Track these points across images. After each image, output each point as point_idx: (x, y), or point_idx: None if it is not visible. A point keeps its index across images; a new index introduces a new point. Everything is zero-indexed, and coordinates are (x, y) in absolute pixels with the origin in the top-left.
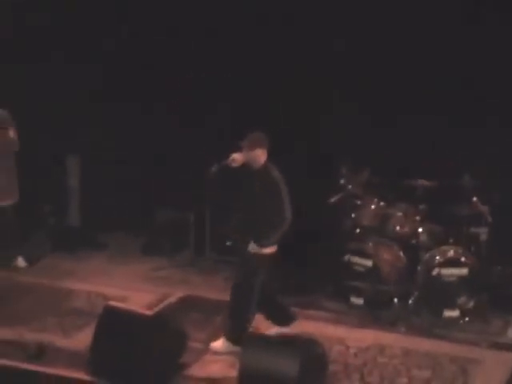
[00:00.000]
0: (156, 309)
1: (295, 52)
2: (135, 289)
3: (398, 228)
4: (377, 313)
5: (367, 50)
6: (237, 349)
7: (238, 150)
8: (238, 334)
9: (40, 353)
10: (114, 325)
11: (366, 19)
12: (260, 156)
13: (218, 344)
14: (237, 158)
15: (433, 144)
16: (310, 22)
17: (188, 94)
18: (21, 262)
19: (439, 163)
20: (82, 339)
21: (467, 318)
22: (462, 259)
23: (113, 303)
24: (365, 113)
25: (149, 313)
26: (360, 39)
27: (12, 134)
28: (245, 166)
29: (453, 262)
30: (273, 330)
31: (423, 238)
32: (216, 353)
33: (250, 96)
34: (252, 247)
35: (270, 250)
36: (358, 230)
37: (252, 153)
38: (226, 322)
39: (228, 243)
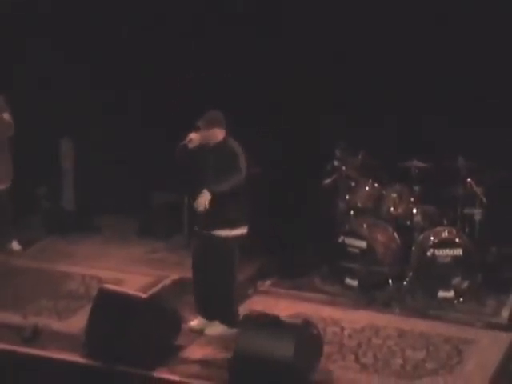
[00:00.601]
0: (151, 291)
1: (293, 48)
2: (130, 271)
3: (392, 209)
4: (371, 294)
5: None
6: (232, 331)
7: (195, 129)
8: (232, 317)
9: (35, 336)
10: (109, 307)
11: (364, 17)
12: (217, 135)
13: (214, 329)
14: (193, 137)
15: (427, 126)
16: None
17: (187, 81)
18: (15, 245)
19: (433, 144)
20: (77, 322)
21: (462, 299)
22: (457, 240)
23: (107, 286)
24: (363, 99)
25: (143, 295)
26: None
27: (7, 117)
28: (202, 146)
29: (447, 243)
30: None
31: (417, 219)
32: (212, 337)
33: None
34: (224, 231)
35: (239, 231)
36: (352, 212)
37: (208, 132)
38: (216, 308)
39: (196, 228)
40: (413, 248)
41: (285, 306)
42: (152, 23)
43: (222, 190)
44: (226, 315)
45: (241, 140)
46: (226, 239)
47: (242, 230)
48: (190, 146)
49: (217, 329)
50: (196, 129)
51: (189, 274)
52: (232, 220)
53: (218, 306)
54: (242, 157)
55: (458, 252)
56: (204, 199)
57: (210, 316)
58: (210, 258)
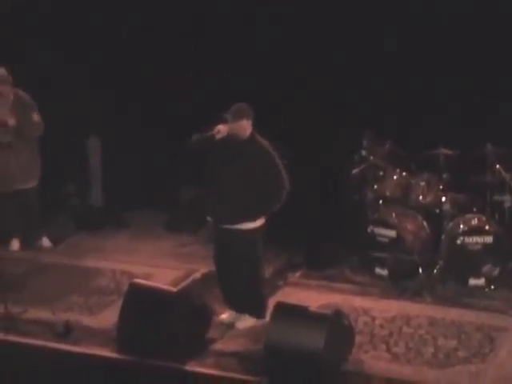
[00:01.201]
0: (181, 285)
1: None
2: (160, 266)
3: (420, 198)
4: (401, 283)
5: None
6: (263, 323)
7: (223, 121)
8: (262, 308)
9: (67, 331)
10: (140, 302)
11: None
12: (245, 127)
13: (245, 322)
14: (222, 129)
15: (455, 113)
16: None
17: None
18: (45, 242)
19: (461, 132)
20: (109, 317)
21: (493, 286)
22: (486, 227)
23: (138, 280)
24: (387, 86)
25: (174, 289)
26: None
27: (36, 117)
28: (228, 139)
29: (477, 231)
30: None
31: (446, 207)
32: (243, 329)
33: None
34: (245, 224)
35: (260, 222)
36: (381, 201)
37: (237, 124)
38: (244, 301)
39: (209, 219)
40: (442, 236)
41: (315, 297)
42: (163, 23)
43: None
44: (255, 308)
45: (268, 130)
46: (248, 232)
47: (263, 221)
48: (218, 136)
49: (247, 322)
50: (223, 121)
51: None
52: (253, 212)
53: (247, 300)
54: (274, 158)
55: (488, 239)
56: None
57: (239, 309)
58: (234, 252)
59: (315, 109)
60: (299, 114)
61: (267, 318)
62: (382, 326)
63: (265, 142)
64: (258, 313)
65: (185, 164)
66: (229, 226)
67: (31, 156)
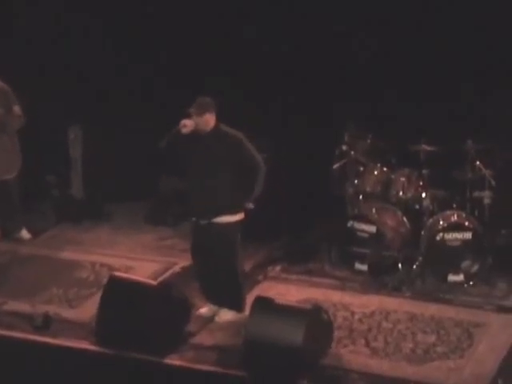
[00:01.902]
0: (161, 278)
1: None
2: (140, 259)
3: (401, 193)
4: (381, 278)
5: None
6: (242, 316)
7: (187, 116)
8: (241, 301)
9: (46, 324)
10: (119, 295)
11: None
12: (209, 120)
13: (224, 315)
14: (187, 123)
15: (435, 109)
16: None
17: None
18: (25, 233)
19: (442, 128)
20: (88, 310)
21: (472, 282)
22: (466, 223)
23: (117, 273)
24: (369, 81)
25: (153, 282)
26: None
27: (17, 110)
28: (195, 133)
29: (456, 227)
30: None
31: (426, 202)
32: (222, 323)
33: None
34: (223, 218)
35: (239, 216)
36: (361, 197)
37: (201, 118)
38: (223, 294)
39: (193, 219)
40: (422, 232)
41: (295, 292)
42: (158, 12)
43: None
44: (234, 301)
45: (248, 125)
46: (226, 226)
47: (242, 215)
48: (184, 131)
49: (226, 315)
50: (188, 115)
51: None
52: (232, 206)
53: (225, 294)
54: (245, 142)
55: (468, 235)
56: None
57: (218, 303)
58: (213, 246)
59: (296, 103)
60: (280, 108)
61: (246, 311)
62: (361, 321)
63: (230, 130)
64: (237, 306)
65: (163, 162)
66: (207, 221)
67: (12, 148)
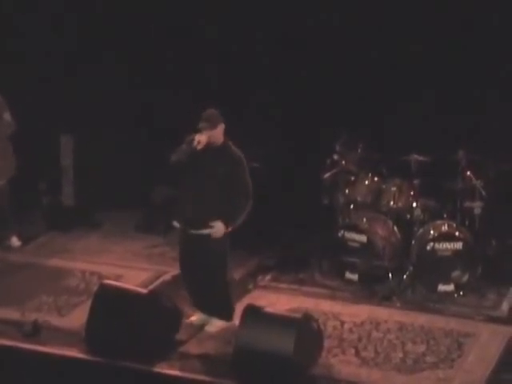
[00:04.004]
0: (151, 286)
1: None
2: (130, 267)
3: (392, 203)
4: (371, 288)
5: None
6: (232, 325)
7: (196, 131)
8: (229, 311)
9: (35, 331)
10: (109, 303)
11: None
12: (220, 133)
13: (213, 325)
14: (202, 139)
15: (427, 119)
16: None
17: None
18: (14, 241)
19: (433, 138)
20: (77, 317)
21: (462, 292)
22: (456, 233)
23: (108, 281)
24: (360, 90)
25: (144, 290)
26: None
27: (7, 117)
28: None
29: (447, 237)
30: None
31: (417, 212)
32: (212, 333)
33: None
34: (216, 230)
35: (227, 229)
36: (352, 206)
37: (215, 130)
38: (211, 304)
39: (176, 224)
40: (413, 242)
41: (285, 301)
42: (150, 20)
43: (237, 222)
44: (223, 311)
45: (240, 135)
46: (214, 237)
47: (229, 228)
48: (199, 147)
49: (216, 325)
50: (198, 130)
51: None
52: (220, 218)
53: (214, 303)
54: (246, 168)
55: (458, 245)
56: (219, 231)
57: (207, 313)
58: (199, 256)
59: (288, 114)
60: (272, 118)
61: (236, 320)
62: (351, 331)
63: (237, 150)
64: (226, 316)
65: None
66: (196, 231)
67: (1, 154)
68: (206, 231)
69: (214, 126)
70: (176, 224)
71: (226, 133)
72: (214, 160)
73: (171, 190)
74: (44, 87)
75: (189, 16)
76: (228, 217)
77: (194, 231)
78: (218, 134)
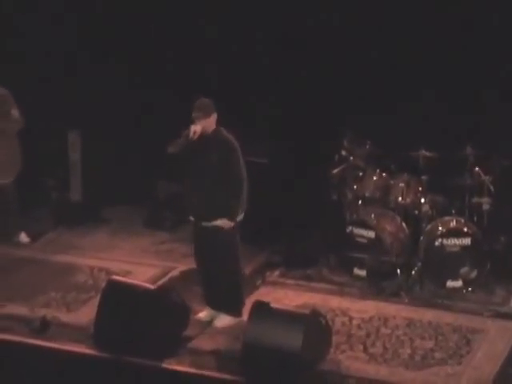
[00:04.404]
0: (159, 282)
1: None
2: (138, 263)
3: (400, 199)
4: (380, 284)
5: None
6: (240, 321)
7: (191, 122)
8: (239, 306)
9: (44, 327)
10: (118, 299)
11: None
12: (213, 122)
13: (222, 320)
14: (197, 129)
15: (435, 114)
16: None
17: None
18: (23, 237)
19: (441, 134)
20: (86, 313)
21: (470, 288)
22: (465, 229)
23: (116, 277)
24: (368, 87)
25: (152, 286)
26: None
27: (15, 113)
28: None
29: (455, 233)
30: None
31: (425, 208)
32: (222, 328)
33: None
34: (224, 223)
35: (233, 221)
36: (360, 202)
37: (208, 119)
38: (221, 298)
39: (191, 219)
40: (421, 238)
41: (293, 297)
42: (152, 17)
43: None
44: (232, 306)
45: (247, 130)
46: (220, 229)
47: (239, 218)
48: (195, 137)
49: (224, 320)
50: (192, 121)
51: None
52: (229, 209)
53: (223, 297)
54: (238, 153)
55: (467, 241)
56: (224, 224)
57: (216, 307)
58: (211, 248)
59: (295, 108)
60: (279, 113)
61: (244, 316)
62: (359, 327)
63: (229, 136)
64: (235, 311)
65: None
66: (205, 224)
67: (9, 151)
68: (210, 223)
69: (207, 115)
70: (191, 218)
71: (236, 128)
72: (208, 147)
73: (174, 186)
74: (52, 82)
75: (189, 16)
76: (229, 213)
77: (203, 223)
78: (211, 122)
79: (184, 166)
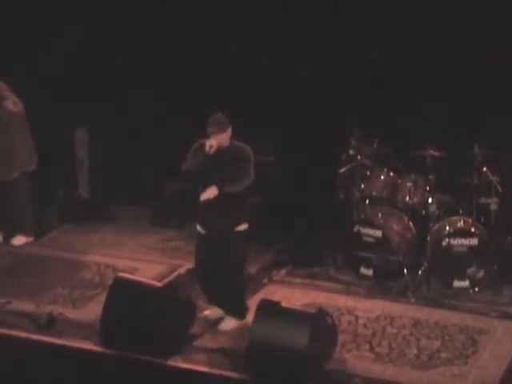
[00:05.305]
0: (166, 280)
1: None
2: (145, 260)
3: (407, 198)
4: (386, 283)
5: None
6: (245, 322)
7: (205, 136)
8: (243, 309)
9: (50, 324)
10: (124, 296)
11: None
12: (228, 136)
13: (227, 324)
14: (213, 143)
15: (443, 114)
16: None
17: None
18: (18, 239)
19: (449, 134)
20: (92, 310)
21: (477, 289)
22: (472, 229)
23: (123, 274)
24: (375, 86)
25: (159, 284)
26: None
27: (9, 105)
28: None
29: (462, 233)
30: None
31: (433, 208)
32: (226, 331)
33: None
34: (244, 227)
35: (243, 226)
36: (367, 201)
37: (224, 134)
38: (225, 302)
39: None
40: (428, 237)
41: (299, 295)
42: (157, 18)
43: (232, 191)
44: (236, 310)
45: (254, 128)
46: (232, 235)
47: (246, 225)
48: (211, 152)
49: (229, 323)
50: (208, 136)
51: None
52: (237, 216)
53: (228, 302)
54: (252, 161)
55: (474, 242)
56: (211, 194)
57: (221, 309)
58: (216, 255)
59: (302, 106)
60: (287, 113)
61: (249, 318)
62: (365, 326)
63: (245, 146)
64: (239, 314)
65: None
66: (214, 229)
67: (9, 146)
68: (220, 229)
69: (223, 130)
70: (201, 230)
71: (243, 126)
72: (225, 161)
73: (182, 185)
74: (60, 79)
75: (189, 16)
76: (226, 184)
77: (209, 229)
78: (226, 137)
79: (199, 181)
